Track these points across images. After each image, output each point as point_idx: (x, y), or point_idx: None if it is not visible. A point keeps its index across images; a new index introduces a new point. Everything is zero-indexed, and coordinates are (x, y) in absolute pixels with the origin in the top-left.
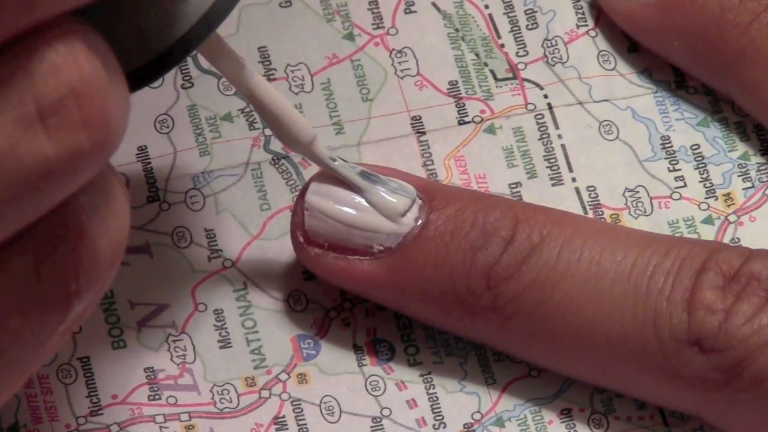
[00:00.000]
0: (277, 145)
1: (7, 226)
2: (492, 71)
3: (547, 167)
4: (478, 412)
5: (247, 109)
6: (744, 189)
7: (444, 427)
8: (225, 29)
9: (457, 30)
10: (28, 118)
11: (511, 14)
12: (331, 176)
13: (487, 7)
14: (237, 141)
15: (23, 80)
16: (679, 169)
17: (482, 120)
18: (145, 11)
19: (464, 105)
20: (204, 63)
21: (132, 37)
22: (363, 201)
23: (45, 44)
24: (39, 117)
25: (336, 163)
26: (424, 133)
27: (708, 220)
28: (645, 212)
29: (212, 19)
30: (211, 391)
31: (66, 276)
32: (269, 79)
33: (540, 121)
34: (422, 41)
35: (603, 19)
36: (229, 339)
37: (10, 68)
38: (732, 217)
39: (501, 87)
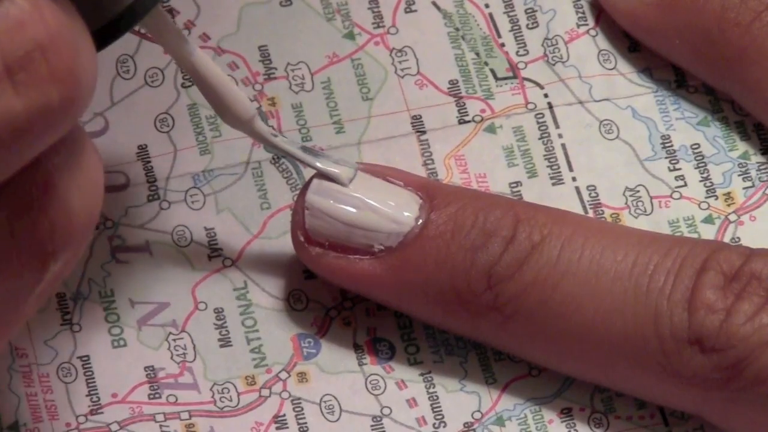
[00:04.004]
0: None
1: None
2: (492, 70)
3: (548, 166)
4: (479, 411)
5: None
6: (744, 188)
7: (444, 426)
8: (225, 28)
9: (457, 29)
10: None
11: (511, 13)
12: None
13: (487, 6)
14: (237, 140)
15: None
16: (680, 169)
17: (482, 119)
18: None
19: (464, 104)
20: None
21: (82, 5)
22: (364, 200)
23: (9, 0)
24: (6, 73)
25: (277, 138)
26: (424, 132)
27: (708, 220)
28: (645, 211)
29: None
30: (211, 389)
31: (41, 234)
32: (269, 79)
33: (540, 120)
34: (422, 40)
35: (603, 18)
36: (230, 338)
37: None
38: (732, 217)
39: (501, 86)
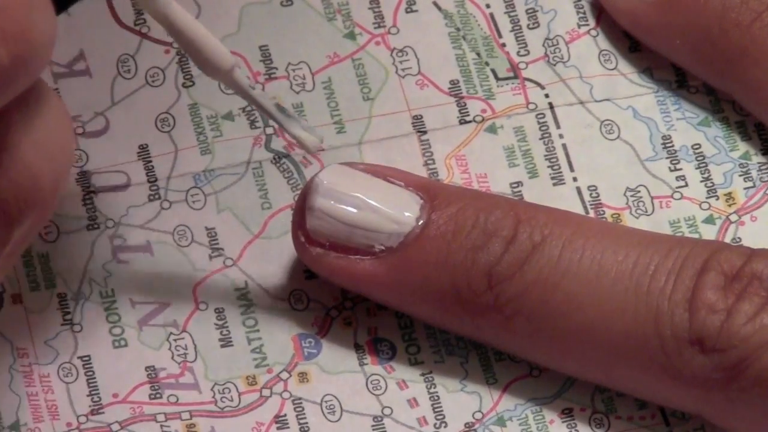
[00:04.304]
0: (278, 144)
1: None
2: (493, 70)
3: (549, 167)
4: (480, 411)
5: (249, 108)
6: (745, 188)
7: (445, 427)
8: (226, 28)
9: (458, 29)
10: None
11: (512, 13)
12: (332, 175)
13: (488, 6)
14: (238, 139)
15: None
16: (681, 169)
17: (483, 119)
18: None
19: (465, 104)
20: None
21: None
22: (365, 200)
23: None
24: None
25: (255, 91)
26: (425, 132)
27: (709, 220)
28: (646, 212)
29: None
30: (212, 389)
31: (2, 196)
32: (270, 79)
33: (541, 120)
34: (423, 40)
35: (604, 19)
36: (230, 338)
37: None
38: (733, 217)
39: (502, 86)
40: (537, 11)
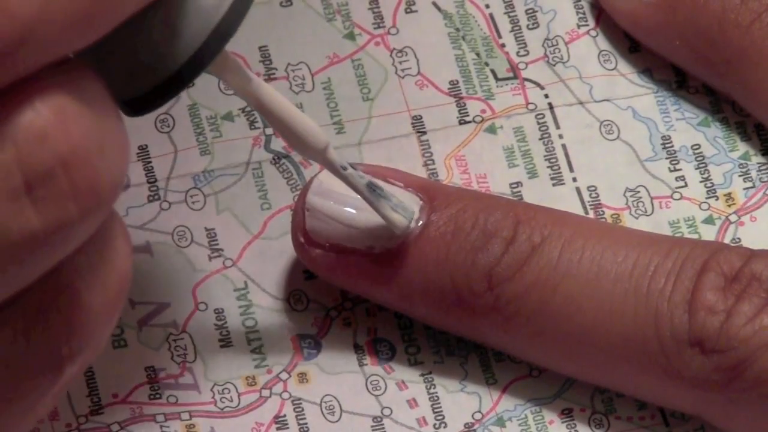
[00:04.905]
0: (277, 145)
1: None
2: (493, 71)
3: (548, 167)
4: (479, 411)
5: (248, 109)
6: (745, 189)
7: (445, 427)
8: None
9: (457, 29)
10: (14, 191)
11: (511, 14)
12: (332, 176)
13: (487, 6)
14: (238, 140)
15: (9, 151)
16: (680, 169)
17: (483, 120)
18: (147, 38)
19: (465, 105)
20: None
21: (130, 66)
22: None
23: (31, 108)
24: (26, 189)
25: (347, 171)
26: (424, 132)
27: (709, 220)
28: (646, 212)
29: (206, 52)
30: (211, 390)
31: (57, 341)
32: (270, 79)
33: (541, 120)
34: (423, 41)
35: (604, 19)
36: (230, 338)
37: None
38: (733, 217)
39: (502, 87)
40: (536, 11)
